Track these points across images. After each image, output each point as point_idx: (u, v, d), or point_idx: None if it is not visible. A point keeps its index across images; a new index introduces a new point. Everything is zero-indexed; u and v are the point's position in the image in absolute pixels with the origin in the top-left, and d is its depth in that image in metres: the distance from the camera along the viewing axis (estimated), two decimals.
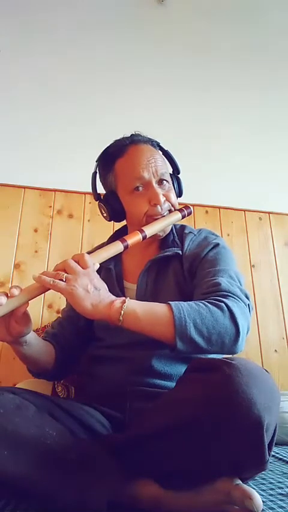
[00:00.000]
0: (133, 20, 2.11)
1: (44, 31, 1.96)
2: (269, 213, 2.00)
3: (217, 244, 0.97)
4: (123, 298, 0.76)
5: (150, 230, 0.92)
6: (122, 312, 0.72)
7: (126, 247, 0.88)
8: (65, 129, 1.84)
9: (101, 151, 1.03)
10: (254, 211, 1.98)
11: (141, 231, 0.90)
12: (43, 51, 1.93)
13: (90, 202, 1.76)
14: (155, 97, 2.00)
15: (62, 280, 0.74)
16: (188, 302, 0.76)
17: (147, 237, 0.91)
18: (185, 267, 0.95)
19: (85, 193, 1.76)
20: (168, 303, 0.75)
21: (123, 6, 2.11)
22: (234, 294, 0.79)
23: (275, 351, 1.74)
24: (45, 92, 1.87)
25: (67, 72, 1.93)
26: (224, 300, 0.76)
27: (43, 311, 1.55)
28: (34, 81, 1.88)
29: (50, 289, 0.75)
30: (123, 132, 1.03)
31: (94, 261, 0.80)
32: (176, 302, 0.75)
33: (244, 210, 1.97)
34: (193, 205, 1.87)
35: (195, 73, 2.12)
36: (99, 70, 1.98)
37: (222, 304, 0.75)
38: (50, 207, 1.73)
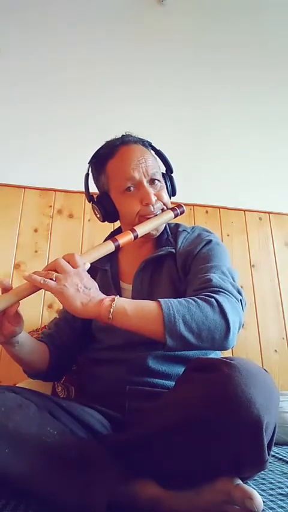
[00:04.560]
0: (133, 20, 2.11)
1: (43, 30, 1.96)
2: (269, 213, 2.00)
3: (210, 241, 0.97)
4: (113, 296, 0.75)
5: (142, 229, 0.92)
6: (112, 309, 0.72)
7: (117, 247, 0.87)
8: (65, 129, 1.84)
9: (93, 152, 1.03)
10: (254, 211, 1.98)
11: (133, 231, 0.90)
12: (42, 50, 1.93)
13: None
14: (155, 96, 2.00)
15: (52, 280, 0.75)
16: (178, 299, 0.75)
17: (139, 236, 0.91)
18: (178, 265, 0.95)
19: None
20: (158, 300, 0.75)
21: (123, 5, 2.11)
22: (225, 290, 0.79)
23: (275, 351, 1.74)
24: (44, 91, 1.87)
25: (67, 71, 1.93)
26: (214, 295, 0.76)
27: (43, 311, 1.55)
28: (34, 80, 1.88)
29: (39, 289, 0.76)
30: (123, 131, 1.03)
31: (85, 261, 0.80)
32: (166, 299, 0.75)
33: (244, 210, 1.97)
34: (193, 205, 1.88)
35: (195, 72, 2.11)
36: (99, 69, 1.98)
37: (212, 299, 0.75)
38: (50, 207, 1.73)
